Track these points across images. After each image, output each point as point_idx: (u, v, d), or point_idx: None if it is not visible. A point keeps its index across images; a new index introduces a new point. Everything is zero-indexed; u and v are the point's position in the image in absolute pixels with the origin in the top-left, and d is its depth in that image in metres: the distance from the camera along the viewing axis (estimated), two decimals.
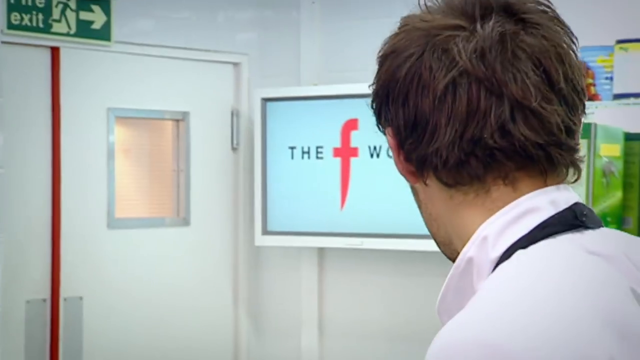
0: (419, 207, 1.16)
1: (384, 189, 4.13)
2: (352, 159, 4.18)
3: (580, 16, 3.79)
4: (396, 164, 1.12)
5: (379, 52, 1.13)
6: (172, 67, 4.35)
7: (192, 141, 4.41)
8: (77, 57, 4.04)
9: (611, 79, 3.63)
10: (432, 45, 1.06)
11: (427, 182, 1.09)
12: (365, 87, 4.26)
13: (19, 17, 3.88)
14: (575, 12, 3.68)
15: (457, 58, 1.04)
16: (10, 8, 3.86)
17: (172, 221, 4.40)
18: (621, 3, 3.94)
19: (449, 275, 1.06)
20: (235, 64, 4.50)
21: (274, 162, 4.35)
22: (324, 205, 4.26)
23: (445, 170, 1.05)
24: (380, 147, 4.16)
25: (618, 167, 3.59)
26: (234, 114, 4.50)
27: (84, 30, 4.00)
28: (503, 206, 1.06)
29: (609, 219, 3.61)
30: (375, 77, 1.13)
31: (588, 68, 3.76)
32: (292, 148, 4.28)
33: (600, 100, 3.67)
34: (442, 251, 1.15)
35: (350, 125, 4.17)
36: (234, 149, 4.51)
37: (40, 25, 3.98)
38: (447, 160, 1.04)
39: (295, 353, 4.50)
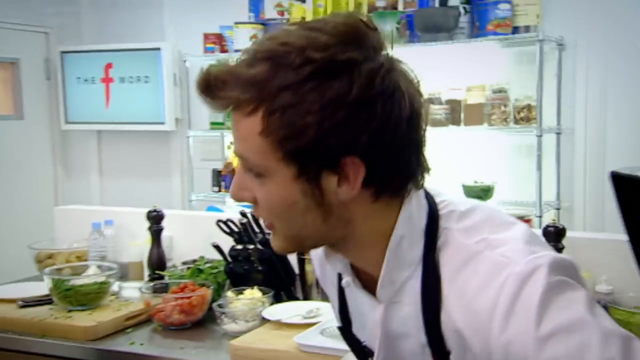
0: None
1: (128, 98, 4.20)
2: (110, 84, 4.24)
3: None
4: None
5: None
6: (10, 35, 4.10)
7: (23, 73, 4.24)
8: None
9: (232, 42, 3.69)
10: None
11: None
12: (119, 45, 4.13)
13: None
14: None
15: None
16: None
17: (14, 117, 4.23)
18: None
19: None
20: (47, 33, 4.37)
21: (70, 85, 4.32)
22: (98, 108, 4.28)
23: None
24: (123, 78, 4.20)
25: None
26: (46, 60, 4.39)
27: None
28: None
29: None
30: None
31: (223, 37, 3.80)
32: (79, 78, 4.30)
33: (228, 52, 3.72)
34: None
35: (108, 65, 4.23)
36: (47, 79, 4.41)
37: None
38: None
39: (88, 187, 4.55)
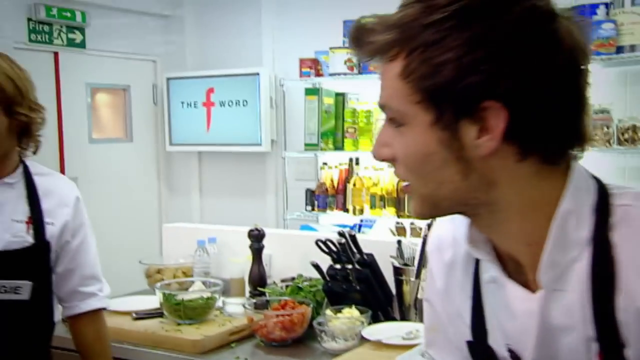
0: None
1: (227, 120, 4.30)
2: (212, 107, 4.35)
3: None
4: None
5: None
6: (122, 63, 4.38)
7: (133, 98, 4.46)
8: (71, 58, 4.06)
9: (327, 66, 3.75)
10: None
11: None
12: (220, 71, 4.30)
13: None
14: None
15: None
16: None
17: (123, 140, 4.48)
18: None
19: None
20: (154, 61, 4.59)
21: (174, 109, 4.46)
22: (200, 130, 4.40)
23: None
24: (223, 102, 4.30)
25: (332, 109, 3.83)
26: (153, 86, 4.58)
27: (71, 43, 4.07)
28: None
29: (329, 134, 3.81)
30: None
31: (319, 62, 3.78)
32: (183, 102, 4.43)
33: (323, 76, 3.78)
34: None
35: (210, 90, 4.33)
36: (154, 104, 4.60)
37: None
38: None
39: (189, 205, 4.66)
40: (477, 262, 0.80)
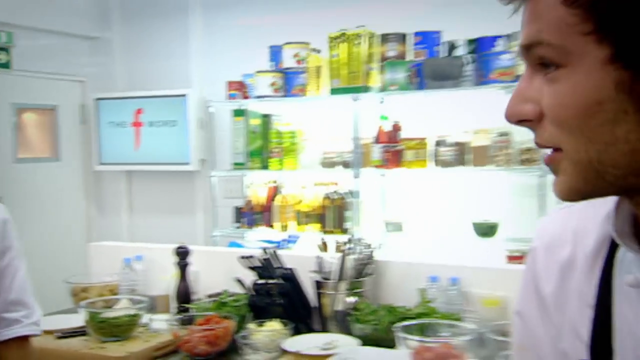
0: None
1: (156, 140, 4.31)
2: (140, 127, 4.35)
3: None
4: None
5: None
6: (50, 84, 4.32)
7: (61, 118, 4.42)
8: None
9: (253, 89, 3.71)
10: None
11: None
12: (148, 92, 4.22)
13: None
14: None
15: None
16: None
17: (51, 159, 4.41)
18: None
19: None
20: (82, 82, 4.55)
21: (103, 129, 4.45)
22: (128, 150, 4.39)
23: None
24: (152, 122, 4.31)
25: (258, 130, 3.81)
26: (82, 106, 4.55)
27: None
28: None
29: (254, 155, 3.78)
30: None
31: (245, 84, 3.76)
32: (112, 122, 4.42)
33: (250, 98, 3.77)
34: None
35: (139, 111, 4.35)
36: (82, 124, 4.55)
37: None
38: None
39: (119, 224, 4.61)
40: (610, 261, 0.61)
